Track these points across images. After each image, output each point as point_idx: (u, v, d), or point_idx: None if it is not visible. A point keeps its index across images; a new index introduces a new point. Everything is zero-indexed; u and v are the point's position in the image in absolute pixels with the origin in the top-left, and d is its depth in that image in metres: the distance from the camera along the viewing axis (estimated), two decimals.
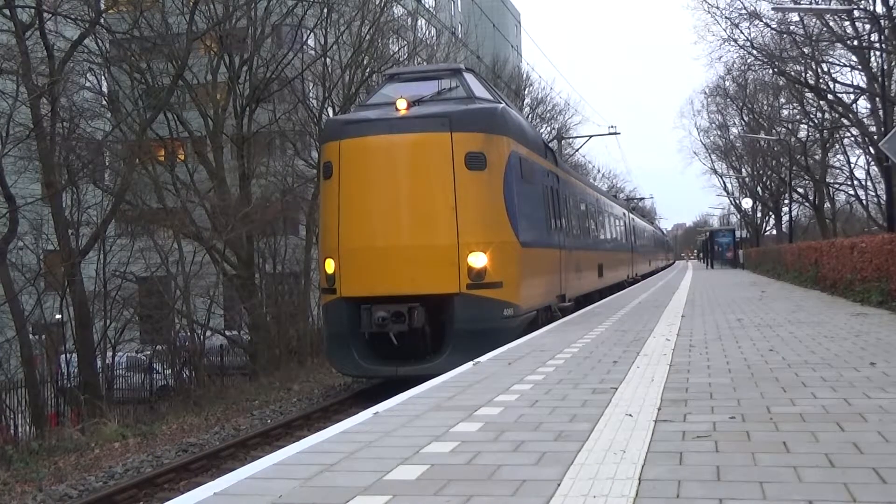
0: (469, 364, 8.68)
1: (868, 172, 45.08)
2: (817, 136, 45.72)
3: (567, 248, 17.32)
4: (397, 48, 32.70)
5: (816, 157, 46.97)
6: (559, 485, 3.89)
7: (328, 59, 27.59)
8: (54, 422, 18.68)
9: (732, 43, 33.92)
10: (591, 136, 45.80)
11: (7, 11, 20.05)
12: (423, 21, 43.03)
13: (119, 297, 23.75)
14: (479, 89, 14.22)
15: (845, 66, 34.85)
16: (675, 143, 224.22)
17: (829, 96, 36.61)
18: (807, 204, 53.44)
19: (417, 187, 12.53)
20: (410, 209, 12.48)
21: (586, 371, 7.71)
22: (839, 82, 36.58)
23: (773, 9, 29.84)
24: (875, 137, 30.01)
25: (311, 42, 28.87)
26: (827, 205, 51.14)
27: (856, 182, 46.81)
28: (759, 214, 66.44)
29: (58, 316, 22.67)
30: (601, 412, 5.64)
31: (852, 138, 41.71)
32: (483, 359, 9.07)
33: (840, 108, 37.04)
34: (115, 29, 24.02)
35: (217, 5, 24.44)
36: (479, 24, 44.25)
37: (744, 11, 32.13)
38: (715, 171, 67.70)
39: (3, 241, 19.65)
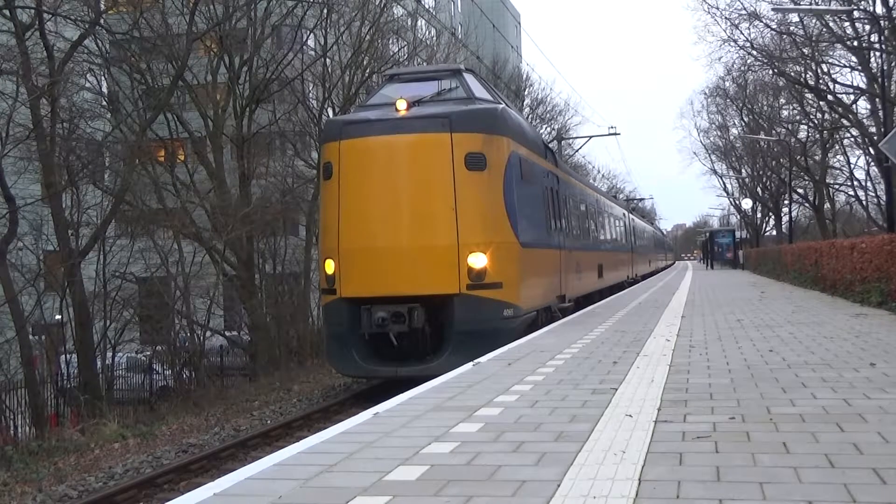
0: (469, 364, 8.68)
1: (868, 173, 45.10)
2: (817, 136, 45.67)
3: (567, 248, 17.31)
4: (397, 49, 32.69)
5: (816, 157, 46.92)
6: (559, 485, 3.89)
7: (328, 60, 27.59)
8: (54, 422, 18.66)
9: (732, 43, 33.90)
10: (591, 137, 45.68)
11: (7, 12, 20.06)
12: (423, 21, 43.04)
13: (119, 298, 23.75)
14: (478, 90, 14.21)
15: (845, 66, 34.85)
16: (674, 143, 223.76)
17: (829, 97, 36.57)
18: (807, 204, 53.40)
19: (417, 188, 12.52)
20: (410, 210, 12.47)
21: (586, 372, 7.71)
22: (839, 83, 36.59)
23: (772, 9, 29.80)
24: (875, 138, 30.00)
25: (310, 42, 28.88)
26: (827, 205, 51.07)
27: (856, 182, 46.86)
28: (758, 215, 66.39)
29: (58, 316, 22.67)
30: (601, 413, 5.64)
31: (852, 139, 41.72)
32: (483, 359, 9.07)
33: (840, 109, 37.00)
34: (115, 29, 24.05)
35: (217, 6, 24.45)
36: (479, 25, 44.34)
37: (744, 12, 32.11)
38: (715, 172, 67.68)
39: (3, 241, 19.65)
